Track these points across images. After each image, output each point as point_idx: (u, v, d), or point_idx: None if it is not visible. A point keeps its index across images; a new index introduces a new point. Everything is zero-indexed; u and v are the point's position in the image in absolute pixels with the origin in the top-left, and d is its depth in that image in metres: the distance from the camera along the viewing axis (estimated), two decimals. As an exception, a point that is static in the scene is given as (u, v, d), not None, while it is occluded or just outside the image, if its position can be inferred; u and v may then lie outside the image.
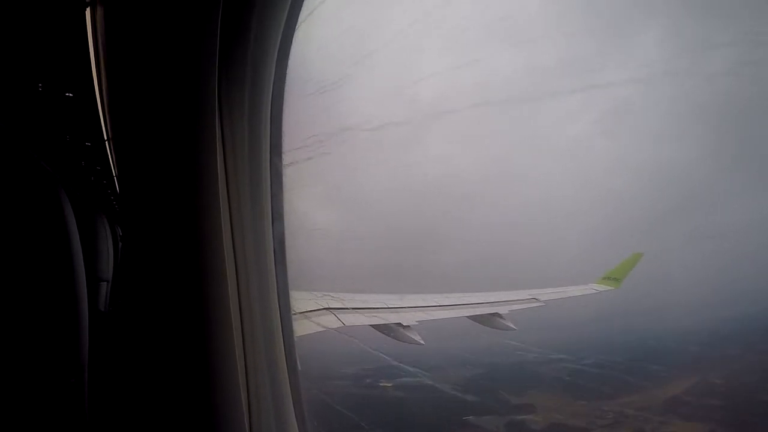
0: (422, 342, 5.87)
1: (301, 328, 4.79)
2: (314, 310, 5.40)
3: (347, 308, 5.78)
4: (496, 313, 6.68)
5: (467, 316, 6.70)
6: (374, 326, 5.90)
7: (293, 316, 1.34)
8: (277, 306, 1.26)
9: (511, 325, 6.63)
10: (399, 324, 5.87)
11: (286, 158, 1.24)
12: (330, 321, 5.34)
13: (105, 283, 2.86)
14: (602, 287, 7.90)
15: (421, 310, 6.37)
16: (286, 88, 1.18)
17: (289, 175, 1.24)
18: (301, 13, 1.10)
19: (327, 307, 5.55)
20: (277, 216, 1.24)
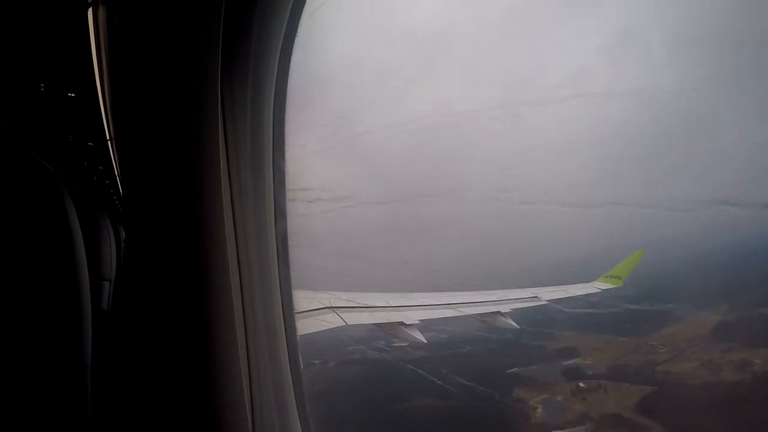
0: (424, 340, 5.89)
1: (304, 327, 4.80)
2: (317, 309, 5.42)
3: (349, 307, 5.80)
4: (498, 311, 6.70)
5: (469, 315, 6.73)
6: (376, 324, 5.93)
7: (296, 315, 1.34)
8: (280, 305, 1.26)
9: (513, 323, 6.64)
10: (401, 322, 5.89)
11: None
12: (333, 320, 5.36)
13: (108, 282, 2.87)
14: (605, 285, 7.89)
15: (422, 308, 6.40)
16: (288, 86, 1.18)
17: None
18: (303, 11, 1.10)
19: (329, 305, 5.57)
20: (280, 214, 1.24)
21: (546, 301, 7.30)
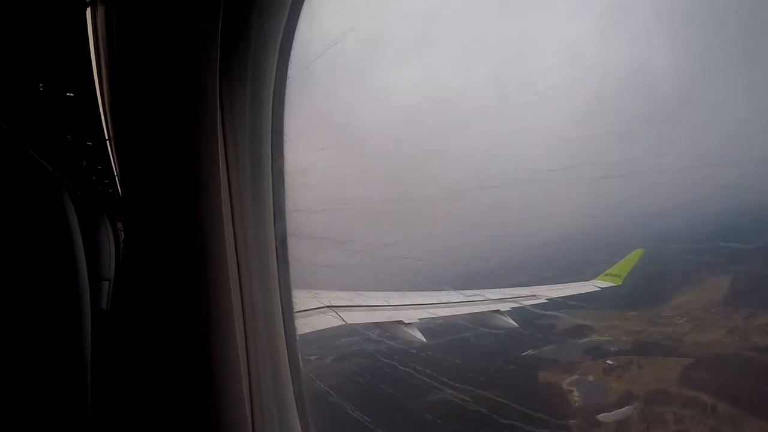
0: (424, 339, 5.90)
1: (303, 326, 4.80)
2: (316, 308, 5.43)
3: (348, 306, 5.81)
4: (497, 310, 6.73)
5: (468, 314, 6.77)
6: (376, 324, 5.95)
7: (295, 315, 1.34)
8: (280, 305, 1.26)
9: (513, 323, 6.66)
10: (400, 322, 5.91)
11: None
12: (332, 319, 5.37)
13: (107, 282, 2.86)
14: (605, 283, 7.90)
15: (422, 307, 6.42)
16: (288, 86, 1.18)
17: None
18: (302, 8, 1.10)
19: (328, 305, 5.58)
20: (279, 215, 1.24)
21: (545, 299, 7.32)
